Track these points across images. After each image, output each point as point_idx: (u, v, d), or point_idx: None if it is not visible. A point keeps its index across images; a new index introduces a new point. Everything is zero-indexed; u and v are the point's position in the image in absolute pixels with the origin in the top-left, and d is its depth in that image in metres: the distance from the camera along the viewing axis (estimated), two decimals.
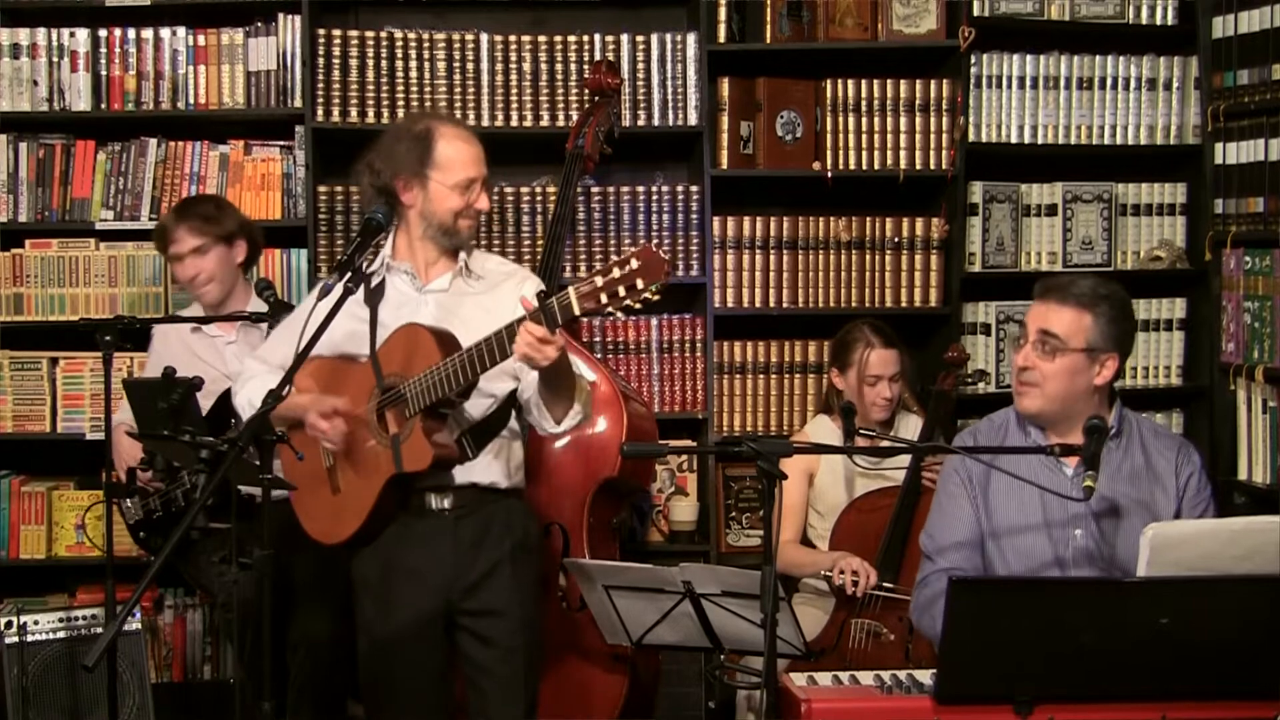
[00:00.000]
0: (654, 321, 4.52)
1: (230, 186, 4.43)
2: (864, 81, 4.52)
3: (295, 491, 3.27)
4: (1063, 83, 4.58)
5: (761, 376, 4.55)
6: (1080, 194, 4.64)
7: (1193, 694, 2.54)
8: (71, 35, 4.40)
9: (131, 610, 2.55)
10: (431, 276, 3.30)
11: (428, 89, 4.45)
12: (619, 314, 2.77)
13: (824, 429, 4.10)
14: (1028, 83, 4.57)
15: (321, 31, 4.42)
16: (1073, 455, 2.92)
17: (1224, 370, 4.38)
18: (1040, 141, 4.58)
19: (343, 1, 4.60)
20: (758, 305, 4.52)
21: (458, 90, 4.46)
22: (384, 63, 4.44)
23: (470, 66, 4.47)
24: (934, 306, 4.55)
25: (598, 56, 4.45)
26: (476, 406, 3.21)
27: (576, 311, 2.80)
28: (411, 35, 4.46)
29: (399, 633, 3.28)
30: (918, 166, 4.52)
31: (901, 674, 2.70)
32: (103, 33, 4.40)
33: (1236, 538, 2.68)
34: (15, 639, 3.75)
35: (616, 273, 2.72)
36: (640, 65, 4.50)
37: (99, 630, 3.83)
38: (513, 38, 4.48)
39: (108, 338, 3.69)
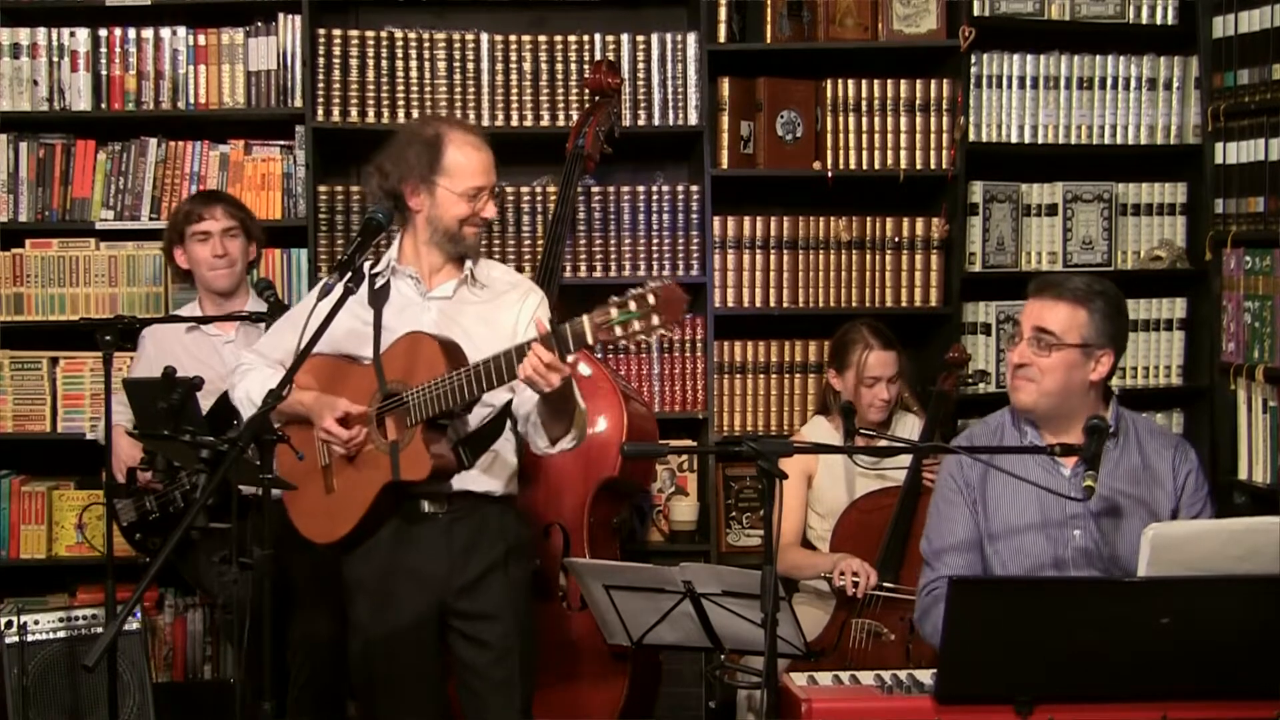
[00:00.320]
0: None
1: (230, 186, 4.43)
2: (864, 81, 4.52)
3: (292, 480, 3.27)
4: (1063, 82, 4.58)
5: (762, 376, 4.55)
6: (1080, 194, 4.64)
7: (1193, 694, 2.54)
8: (72, 35, 4.40)
9: (132, 610, 2.55)
10: (436, 283, 3.30)
11: (428, 89, 4.45)
12: (631, 346, 2.74)
13: (821, 430, 4.10)
14: (1028, 82, 4.57)
15: (322, 31, 4.42)
16: (1073, 455, 2.92)
17: (1224, 370, 4.38)
18: (1040, 141, 4.58)
19: (343, 1, 4.60)
20: (758, 305, 4.52)
21: (458, 90, 4.46)
22: (384, 62, 4.44)
23: (470, 66, 4.47)
24: (934, 306, 4.55)
25: (598, 56, 4.45)
26: (474, 416, 3.21)
27: (589, 341, 2.78)
28: (412, 35, 4.46)
29: (392, 634, 3.28)
30: (918, 166, 4.52)
31: (902, 674, 2.70)
32: (103, 32, 4.40)
33: (1237, 537, 2.68)
34: (15, 639, 3.75)
35: (634, 306, 2.70)
36: (640, 65, 4.50)
37: (99, 630, 3.83)
38: (513, 37, 4.48)
39: (108, 337, 3.69)
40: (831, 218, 4.53)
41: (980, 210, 4.56)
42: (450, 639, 3.31)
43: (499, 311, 3.28)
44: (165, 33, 4.41)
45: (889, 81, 4.52)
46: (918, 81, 4.52)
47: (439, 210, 3.23)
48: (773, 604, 2.48)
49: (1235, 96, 4.35)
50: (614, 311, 2.72)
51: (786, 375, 4.55)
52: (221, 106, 4.44)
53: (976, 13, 4.46)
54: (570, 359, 2.88)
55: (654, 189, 4.51)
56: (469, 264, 3.31)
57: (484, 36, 4.48)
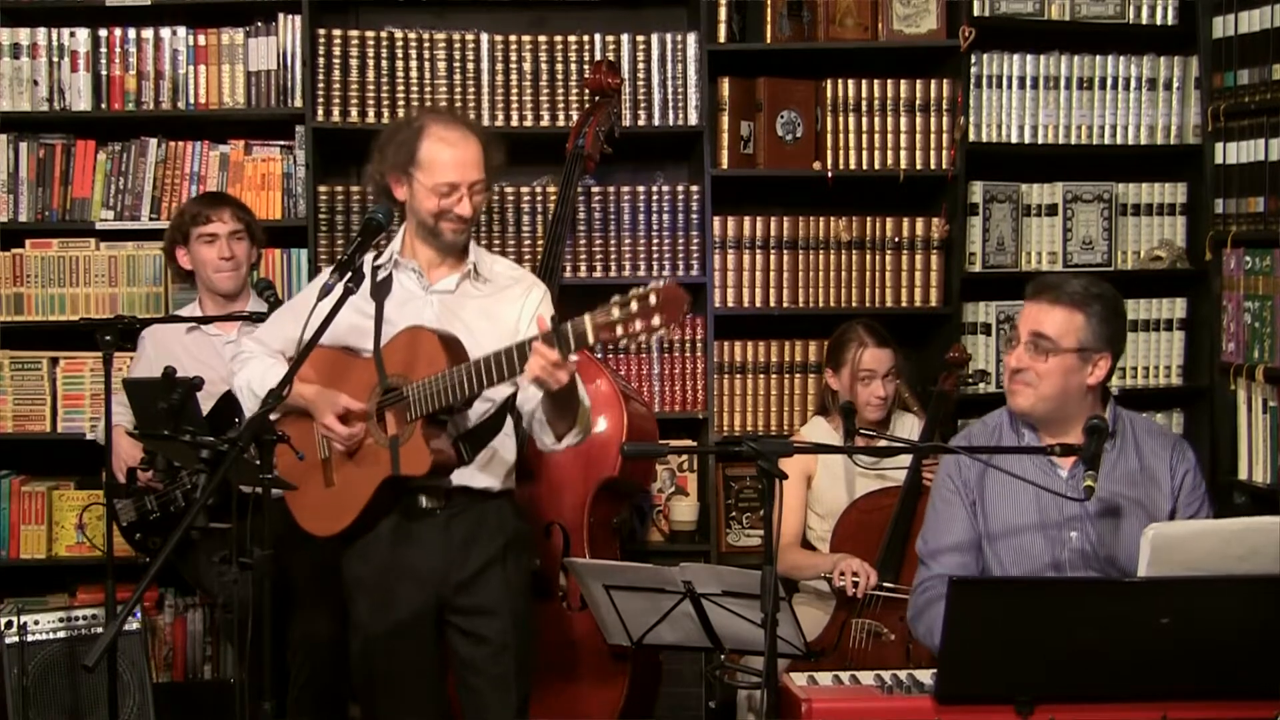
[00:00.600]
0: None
1: (230, 186, 4.43)
2: (864, 81, 4.52)
3: (289, 474, 3.27)
4: (1063, 83, 4.58)
5: (762, 376, 4.55)
6: (1080, 194, 4.64)
7: (1194, 694, 2.54)
8: (72, 35, 4.40)
9: (132, 610, 2.54)
10: (438, 276, 3.30)
11: (428, 89, 4.45)
12: (631, 346, 2.74)
13: (820, 431, 4.10)
14: (1028, 83, 4.57)
15: (322, 31, 4.42)
16: (1073, 455, 2.92)
17: (1224, 370, 4.38)
18: (1040, 141, 4.58)
19: (343, 1, 4.60)
20: (758, 305, 4.52)
21: (458, 90, 4.46)
22: (384, 63, 4.44)
23: (470, 66, 4.47)
24: (934, 306, 4.55)
25: (598, 56, 4.45)
26: (474, 411, 3.21)
27: (591, 340, 2.77)
28: (412, 35, 4.46)
29: (392, 631, 3.28)
30: (918, 166, 4.52)
31: (902, 674, 2.70)
32: (103, 33, 4.40)
33: (1237, 537, 2.68)
34: (15, 639, 3.75)
35: (635, 306, 2.70)
36: (640, 65, 4.50)
37: (99, 630, 3.83)
38: (513, 37, 4.48)
39: (108, 338, 3.69)
40: (831, 218, 4.53)
41: (980, 210, 4.56)
42: (448, 634, 3.31)
43: (501, 306, 3.28)
44: (165, 33, 4.41)
45: (889, 81, 4.52)
46: (918, 81, 4.52)
47: (416, 203, 3.23)
48: (773, 604, 2.48)
49: (1235, 96, 4.35)
50: (615, 311, 2.72)
51: (786, 375, 4.56)
52: (221, 107, 4.44)
53: (976, 13, 4.46)
54: (573, 358, 2.88)
55: (654, 189, 4.51)
56: (471, 258, 3.30)
57: (484, 36, 4.48)
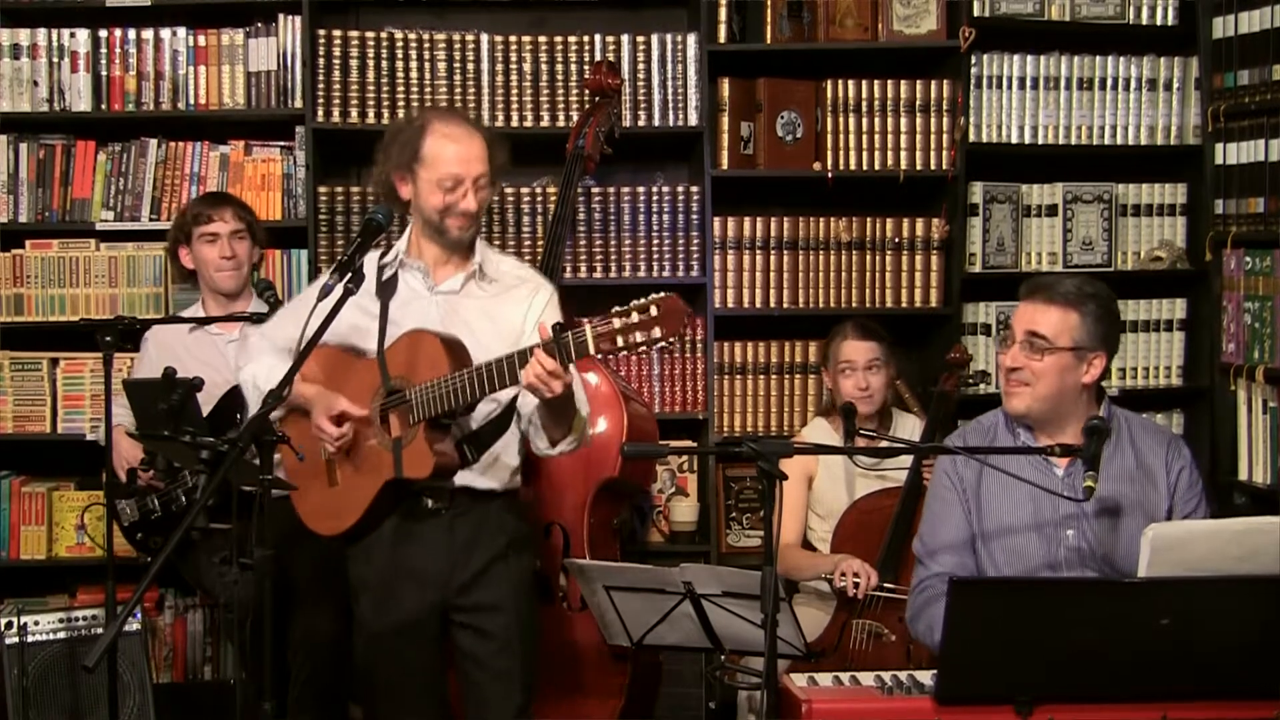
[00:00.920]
0: None
1: (230, 187, 4.43)
2: (864, 82, 4.52)
3: (295, 472, 3.28)
4: (1063, 83, 4.58)
5: (762, 377, 4.55)
6: (1080, 194, 4.64)
7: (1193, 694, 2.54)
8: (72, 36, 4.40)
9: (132, 611, 2.55)
10: (442, 276, 3.29)
11: (428, 89, 4.45)
12: (631, 355, 2.76)
13: (821, 432, 4.10)
14: (1028, 83, 4.57)
15: (322, 32, 4.42)
16: (1073, 455, 2.92)
17: (1224, 371, 4.38)
18: (1040, 142, 4.58)
19: (343, 2, 4.60)
20: (758, 306, 4.52)
21: (458, 91, 4.46)
22: (384, 63, 4.44)
23: (471, 67, 4.47)
24: (934, 307, 4.55)
25: (598, 57, 4.45)
26: (479, 412, 3.21)
27: (591, 351, 2.78)
28: (412, 36, 4.46)
29: (396, 631, 3.28)
30: (918, 167, 4.52)
31: (902, 675, 2.71)
32: (103, 33, 4.40)
33: (1237, 538, 2.68)
34: (15, 639, 3.75)
35: (636, 317, 2.71)
36: (641, 66, 4.50)
37: (99, 631, 3.82)
38: (513, 38, 4.48)
39: (108, 338, 3.70)
40: (831, 218, 4.53)
41: (980, 211, 4.56)
42: (452, 631, 3.31)
43: (505, 307, 3.28)
44: (165, 33, 4.41)
45: (889, 82, 4.52)
46: (918, 82, 4.52)
47: (420, 200, 3.24)
48: (773, 605, 2.48)
49: (1235, 97, 4.35)
50: (616, 321, 2.73)
51: (786, 376, 4.56)
52: (222, 107, 4.44)
53: (976, 13, 4.46)
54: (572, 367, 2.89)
55: (654, 190, 4.51)
56: (477, 258, 3.30)
57: (484, 37, 4.48)
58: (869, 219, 4.54)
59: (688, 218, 4.50)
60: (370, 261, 3.26)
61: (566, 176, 4.16)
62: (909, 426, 4.10)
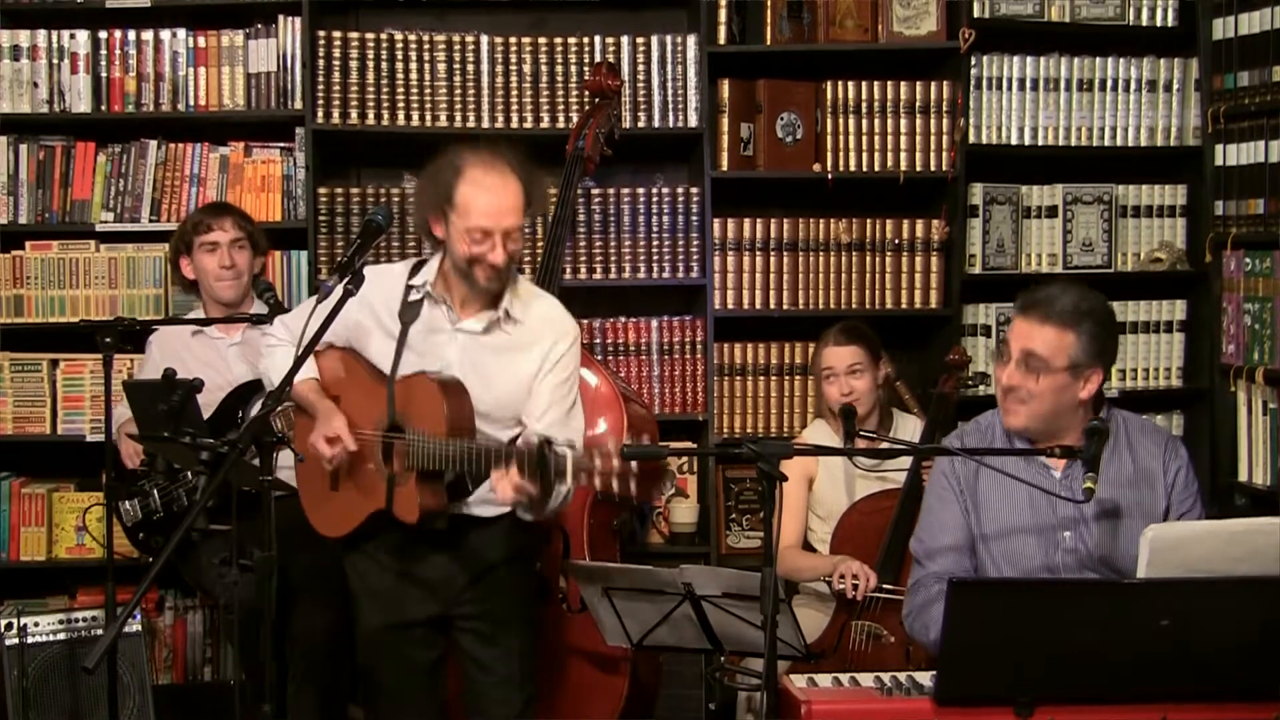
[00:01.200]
0: (654, 323, 4.53)
1: (230, 188, 4.43)
2: (864, 83, 4.52)
3: (303, 468, 3.30)
4: (1063, 84, 4.58)
5: (762, 378, 4.55)
6: (1080, 196, 4.64)
7: (1193, 695, 2.54)
8: (72, 37, 4.40)
9: (132, 612, 2.55)
10: (467, 314, 3.22)
11: (428, 91, 4.45)
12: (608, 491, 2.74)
13: (822, 433, 4.10)
14: (1028, 84, 4.57)
15: (321, 33, 4.42)
16: (1073, 457, 2.92)
17: (1224, 372, 4.38)
18: (1040, 143, 4.58)
19: (343, 3, 4.60)
20: (758, 307, 4.52)
21: (458, 92, 4.46)
22: (384, 64, 4.44)
23: (470, 68, 4.47)
24: (934, 308, 4.55)
25: (598, 58, 4.45)
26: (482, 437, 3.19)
27: (568, 481, 2.78)
28: (412, 37, 4.46)
29: (397, 637, 3.29)
30: (918, 168, 4.52)
31: (902, 676, 2.70)
32: (103, 34, 4.40)
33: (1237, 539, 2.68)
34: (15, 641, 3.75)
35: (617, 464, 2.67)
36: (640, 67, 4.50)
37: (99, 632, 3.83)
38: (513, 39, 4.48)
39: (108, 339, 3.69)
40: (831, 219, 4.53)
41: (980, 212, 4.56)
42: (453, 633, 3.32)
43: (523, 355, 3.21)
44: (165, 35, 4.41)
45: (889, 83, 4.52)
46: (918, 83, 4.52)
47: (451, 245, 3.16)
48: (772, 606, 2.48)
49: (1235, 98, 4.35)
50: (598, 462, 2.68)
51: (786, 377, 4.55)
52: (221, 108, 4.44)
53: (976, 14, 4.46)
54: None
55: (654, 191, 4.51)
56: (504, 301, 3.21)
57: (484, 38, 4.48)
58: (869, 220, 4.54)
59: (687, 219, 4.50)
60: (398, 276, 3.24)
61: (566, 177, 4.16)
62: (909, 428, 4.10)
